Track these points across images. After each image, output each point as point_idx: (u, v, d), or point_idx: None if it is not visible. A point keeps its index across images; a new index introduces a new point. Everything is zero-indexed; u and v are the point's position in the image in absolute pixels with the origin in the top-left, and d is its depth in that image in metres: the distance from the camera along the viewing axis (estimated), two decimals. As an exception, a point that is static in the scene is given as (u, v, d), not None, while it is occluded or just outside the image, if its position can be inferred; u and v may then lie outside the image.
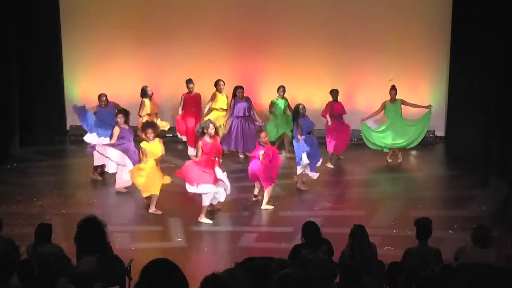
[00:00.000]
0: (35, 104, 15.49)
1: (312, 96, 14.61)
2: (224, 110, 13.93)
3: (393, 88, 13.72)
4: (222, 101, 13.99)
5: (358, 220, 8.94)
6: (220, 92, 13.99)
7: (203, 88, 14.22)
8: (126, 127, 12.00)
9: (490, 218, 10.48)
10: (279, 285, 4.23)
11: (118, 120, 11.96)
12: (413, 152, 14.76)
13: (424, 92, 15.46)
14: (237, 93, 13.64)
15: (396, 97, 13.72)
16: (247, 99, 13.73)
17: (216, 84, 13.99)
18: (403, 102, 13.78)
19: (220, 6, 15.43)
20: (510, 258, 7.25)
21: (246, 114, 13.60)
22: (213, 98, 13.99)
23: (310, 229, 7.48)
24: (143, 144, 11.07)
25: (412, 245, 7.54)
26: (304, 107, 12.22)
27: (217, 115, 13.79)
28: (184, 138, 14.15)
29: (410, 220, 7.94)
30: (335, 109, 13.58)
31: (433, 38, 15.13)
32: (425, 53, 15.24)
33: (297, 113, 12.17)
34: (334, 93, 13.61)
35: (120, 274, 7.15)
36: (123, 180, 11.75)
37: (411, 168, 14.19)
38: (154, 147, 11.07)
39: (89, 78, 15.64)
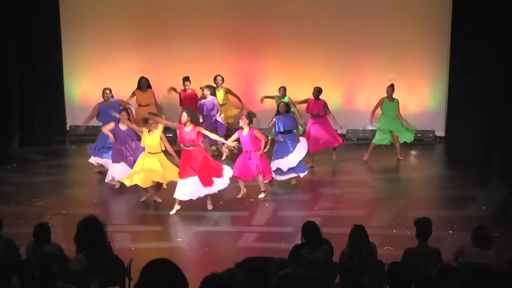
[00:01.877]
0: (35, 104, 15.50)
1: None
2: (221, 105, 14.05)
3: (390, 86, 13.66)
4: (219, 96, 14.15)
5: (358, 220, 8.93)
6: (217, 87, 14.12)
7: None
8: (125, 127, 11.85)
9: (490, 218, 10.47)
10: (279, 285, 4.22)
11: (121, 117, 11.85)
12: (413, 152, 14.77)
13: (424, 92, 15.47)
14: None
15: (395, 97, 13.68)
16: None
17: (214, 79, 14.16)
18: (398, 104, 13.70)
19: (220, 6, 15.44)
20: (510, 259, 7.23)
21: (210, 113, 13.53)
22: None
23: (310, 229, 7.47)
24: (144, 130, 11.12)
25: (412, 245, 7.54)
26: (282, 105, 12.30)
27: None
28: None
29: (410, 220, 7.92)
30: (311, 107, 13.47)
31: (433, 38, 15.13)
32: (425, 53, 15.23)
33: (277, 110, 12.38)
34: (314, 90, 13.44)
35: (120, 274, 7.15)
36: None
37: (411, 168, 14.18)
38: (150, 140, 11.05)
39: (89, 78, 15.65)
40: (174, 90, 14.11)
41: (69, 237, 7.20)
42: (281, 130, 12.17)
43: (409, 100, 15.13)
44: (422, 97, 15.41)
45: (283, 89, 13.83)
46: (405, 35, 15.17)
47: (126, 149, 11.77)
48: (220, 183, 10.93)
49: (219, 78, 14.19)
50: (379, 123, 13.79)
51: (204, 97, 13.48)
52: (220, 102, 14.02)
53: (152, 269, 3.94)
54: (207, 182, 10.79)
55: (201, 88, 13.81)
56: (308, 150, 12.70)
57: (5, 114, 14.12)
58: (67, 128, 15.96)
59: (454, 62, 14.35)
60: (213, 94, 13.52)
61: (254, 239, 10.13)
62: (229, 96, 14.48)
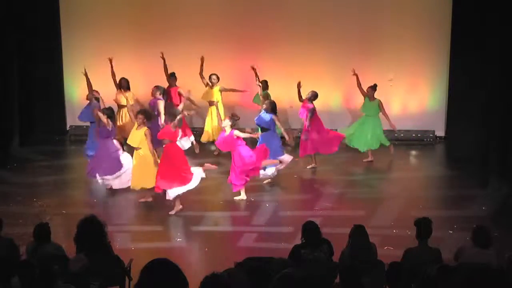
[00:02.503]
0: (35, 104, 15.51)
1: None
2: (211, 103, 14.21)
3: (371, 87, 13.59)
4: (208, 94, 14.25)
5: (358, 220, 8.93)
6: (212, 86, 14.19)
7: (202, 88, 14.27)
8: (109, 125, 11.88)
9: (490, 218, 10.47)
10: (279, 285, 4.21)
11: (101, 117, 11.95)
12: (413, 152, 14.78)
13: (424, 92, 15.48)
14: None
15: (376, 97, 13.63)
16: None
17: (209, 78, 14.27)
18: (380, 105, 13.63)
19: (220, 6, 15.45)
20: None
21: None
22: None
23: (309, 229, 7.48)
24: (135, 124, 11.23)
25: (412, 245, 7.54)
26: (268, 102, 12.42)
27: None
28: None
29: (410, 220, 7.92)
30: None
31: (433, 38, 15.14)
32: (425, 52, 15.24)
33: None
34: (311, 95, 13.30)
35: (120, 274, 7.15)
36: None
37: (411, 168, 14.19)
38: (133, 134, 11.15)
39: (89, 78, 15.63)
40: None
41: (69, 237, 7.21)
42: (256, 123, 12.25)
43: (409, 100, 15.13)
44: (422, 97, 15.42)
45: (264, 83, 14.03)
46: (405, 35, 15.17)
47: (109, 145, 11.89)
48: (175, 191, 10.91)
49: (213, 76, 14.29)
50: (352, 126, 13.78)
51: (154, 97, 13.34)
52: (214, 100, 14.12)
53: (152, 269, 3.94)
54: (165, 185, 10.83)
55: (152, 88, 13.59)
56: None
57: (5, 114, 14.13)
58: (67, 128, 15.98)
59: (454, 61, 14.37)
60: (162, 94, 13.36)
61: (254, 239, 10.12)
62: (227, 94, 14.51)
